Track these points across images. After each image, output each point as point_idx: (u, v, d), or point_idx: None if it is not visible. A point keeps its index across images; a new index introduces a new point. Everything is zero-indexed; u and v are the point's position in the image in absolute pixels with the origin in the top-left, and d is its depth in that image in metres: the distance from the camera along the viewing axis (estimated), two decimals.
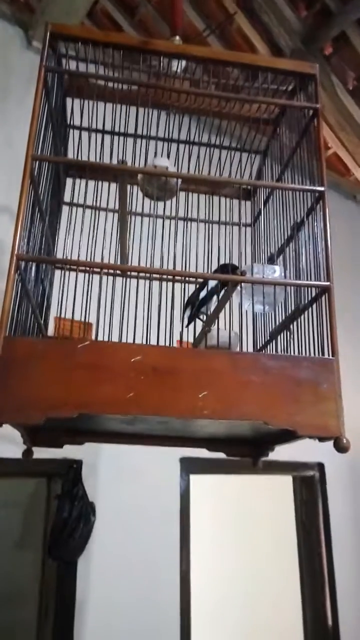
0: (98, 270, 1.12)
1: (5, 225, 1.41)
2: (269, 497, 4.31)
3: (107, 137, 1.43)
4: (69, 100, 1.48)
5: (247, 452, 1.46)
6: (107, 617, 2.43)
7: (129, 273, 1.35)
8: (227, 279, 1.12)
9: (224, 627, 4.57)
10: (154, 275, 1.20)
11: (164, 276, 1.24)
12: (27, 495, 2.67)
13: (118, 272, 1.38)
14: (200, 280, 1.37)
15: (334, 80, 3.71)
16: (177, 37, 1.49)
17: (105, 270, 1.23)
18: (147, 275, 1.21)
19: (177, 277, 1.19)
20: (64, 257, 1.21)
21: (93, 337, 1.30)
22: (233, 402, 1.01)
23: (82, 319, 1.11)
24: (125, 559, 2.53)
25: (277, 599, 4.40)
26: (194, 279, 1.41)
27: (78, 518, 2.36)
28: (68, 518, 2.34)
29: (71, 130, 1.41)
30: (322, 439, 1.06)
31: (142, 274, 1.37)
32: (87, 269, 1.21)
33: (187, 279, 1.26)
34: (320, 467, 3.35)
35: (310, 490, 3.39)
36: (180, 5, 1.54)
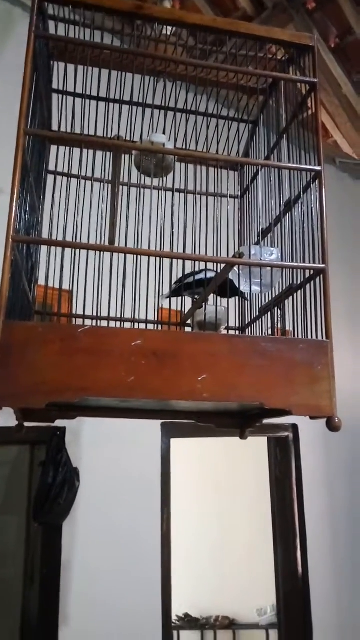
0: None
1: None
2: (245, 457, 4.47)
3: (96, 104, 1.37)
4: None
5: (235, 424, 1.50)
6: (92, 577, 2.52)
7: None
8: (224, 262, 1.11)
9: (201, 578, 4.81)
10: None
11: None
12: (10, 462, 2.69)
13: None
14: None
15: (316, 37, 3.61)
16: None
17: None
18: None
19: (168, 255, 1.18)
20: (51, 229, 1.19)
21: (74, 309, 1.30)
22: (231, 384, 1.03)
23: (60, 287, 1.11)
24: (109, 521, 2.61)
25: (252, 551, 4.63)
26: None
27: (62, 484, 2.41)
28: (52, 484, 2.38)
29: (60, 96, 1.34)
30: (314, 418, 1.09)
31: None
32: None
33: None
34: (295, 428, 3.47)
35: (284, 450, 3.52)
36: None
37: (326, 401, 1.06)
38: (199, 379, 1.01)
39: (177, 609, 4.35)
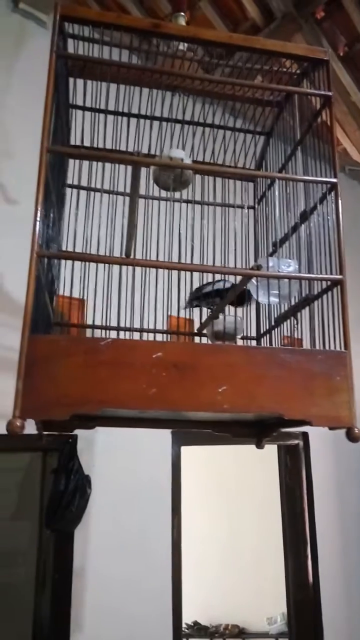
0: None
1: None
2: (254, 465, 4.46)
3: (113, 119, 1.40)
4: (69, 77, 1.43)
5: (251, 433, 1.50)
6: (104, 584, 2.52)
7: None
8: (242, 274, 1.13)
9: (211, 586, 4.79)
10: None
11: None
12: (22, 469, 2.71)
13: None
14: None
15: (325, 46, 3.62)
16: (182, 14, 1.44)
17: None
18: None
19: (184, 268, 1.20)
20: (67, 241, 1.21)
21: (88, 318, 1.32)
22: (251, 395, 1.04)
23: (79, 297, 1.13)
24: (121, 528, 2.62)
25: (262, 559, 4.62)
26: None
27: (74, 491, 2.42)
28: (64, 491, 2.39)
29: (79, 111, 1.37)
30: (333, 428, 1.10)
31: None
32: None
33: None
34: (305, 436, 3.47)
35: (294, 458, 3.51)
36: None
37: (345, 412, 1.06)
38: (219, 390, 1.02)
39: (187, 617, 4.34)
